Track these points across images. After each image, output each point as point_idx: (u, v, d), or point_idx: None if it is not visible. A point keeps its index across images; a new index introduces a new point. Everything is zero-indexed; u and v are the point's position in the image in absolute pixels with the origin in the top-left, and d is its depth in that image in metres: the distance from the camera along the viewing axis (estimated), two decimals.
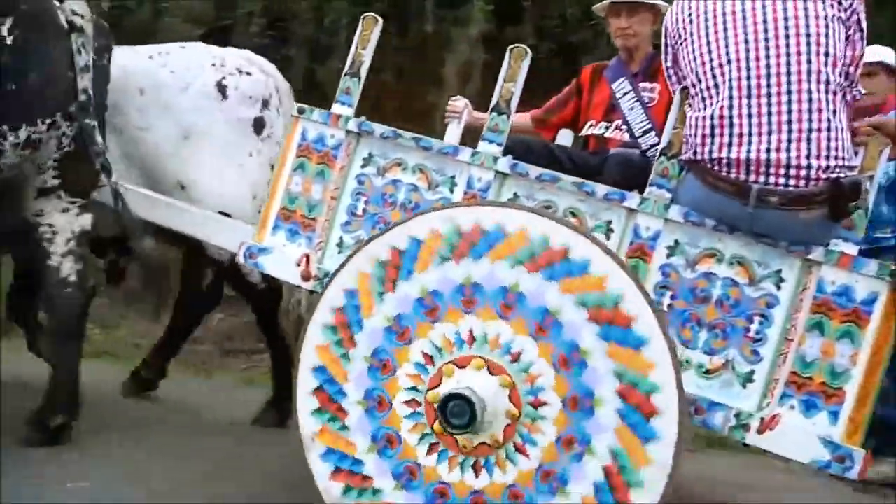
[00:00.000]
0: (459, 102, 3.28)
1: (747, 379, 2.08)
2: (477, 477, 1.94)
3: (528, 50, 2.29)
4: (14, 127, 2.47)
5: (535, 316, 1.92)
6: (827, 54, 1.98)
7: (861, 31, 2.08)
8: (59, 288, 2.75)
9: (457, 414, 1.85)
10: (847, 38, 2.05)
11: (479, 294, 1.96)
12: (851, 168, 2.01)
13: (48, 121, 2.54)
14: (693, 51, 2.09)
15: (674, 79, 2.22)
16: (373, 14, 2.40)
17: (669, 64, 2.25)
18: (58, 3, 2.51)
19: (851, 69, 2.05)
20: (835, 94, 1.97)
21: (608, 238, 2.17)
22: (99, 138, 2.66)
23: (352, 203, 2.37)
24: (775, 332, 2.07)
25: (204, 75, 3.17)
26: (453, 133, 3.24)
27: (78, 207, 2.78)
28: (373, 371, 2.03)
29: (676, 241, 2.14)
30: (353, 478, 2.03)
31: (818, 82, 1.96)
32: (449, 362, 1.96)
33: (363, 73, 2.42)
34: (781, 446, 2.03)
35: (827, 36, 1.99)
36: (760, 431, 2.03)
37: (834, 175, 1.96)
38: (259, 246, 2.43)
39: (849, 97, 2.07)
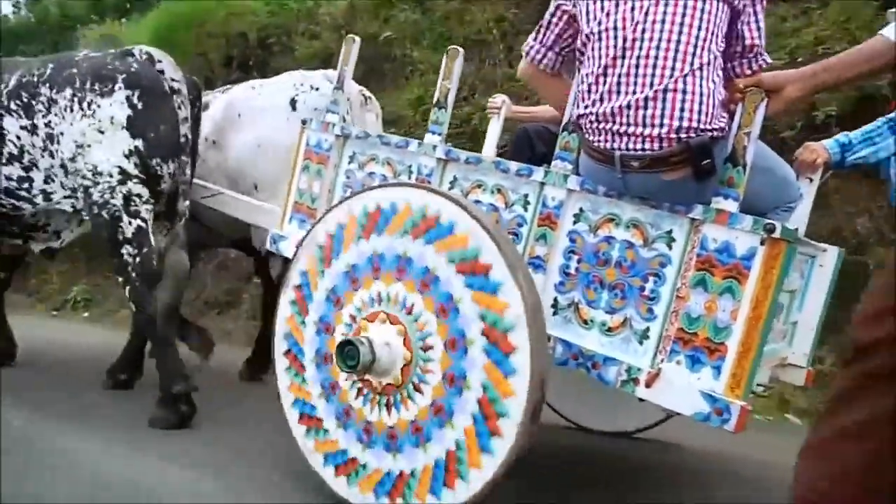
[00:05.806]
0: (498, 99, 3.58)
1: (643, 336, 2.17)
2: (389, 414, 2.29)
3: (461, 50, 2.57)
4: (164, 160, 3.23)
5: (419, 275, 2.22)
6: (699, 28, 2.02)
7: (755, 18, 2.10)
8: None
9: (349, 356, 2.22)
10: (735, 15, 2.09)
11: (382, 263, 2.31)
12: (713, 131, 2.02)
13: (177, 160, 3.28)
14: (585, 13, 2.19)
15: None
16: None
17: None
18: (162, 75, 3.24)
19: (741, 45, 2.11)
20: (701, 60, 2.01)
21: (525, 210, 2.38)
22: (188, 171, 3.34)
23: (342, 194, 2.82)
24: (667, 291, 2.14)
25: (284, 94, 3.65)
26: (494, 128, 3.56)
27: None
28: (319, 333, 2.47)
29: (581, 209, 2.29)
30: (311, 420, 2.48)
31: (686, 43, 2.00)
32: (364, 318, 2.33)
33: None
34: (667, 399, 2.10)
35: (703, 10, 2.04)
36: (647, 385, 2.11)
37: (684, 136, 2.00)
38: (279, 234, 2.99)
39: (742, 69, 2.14)
